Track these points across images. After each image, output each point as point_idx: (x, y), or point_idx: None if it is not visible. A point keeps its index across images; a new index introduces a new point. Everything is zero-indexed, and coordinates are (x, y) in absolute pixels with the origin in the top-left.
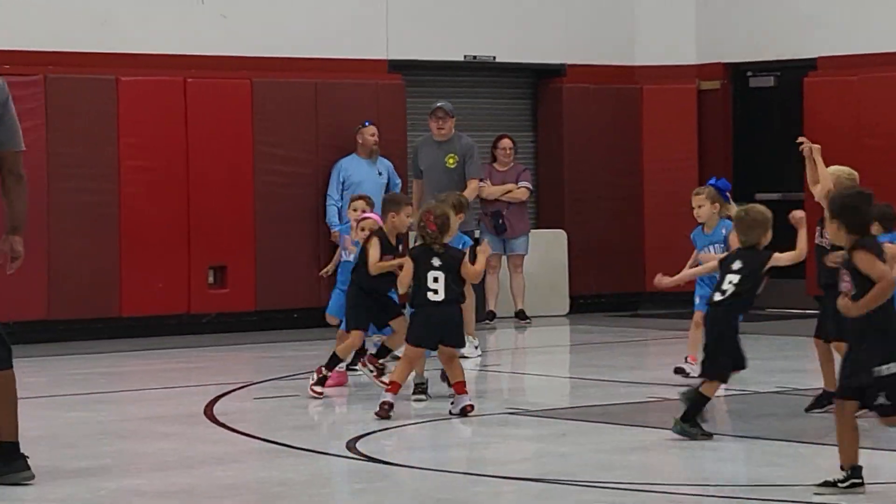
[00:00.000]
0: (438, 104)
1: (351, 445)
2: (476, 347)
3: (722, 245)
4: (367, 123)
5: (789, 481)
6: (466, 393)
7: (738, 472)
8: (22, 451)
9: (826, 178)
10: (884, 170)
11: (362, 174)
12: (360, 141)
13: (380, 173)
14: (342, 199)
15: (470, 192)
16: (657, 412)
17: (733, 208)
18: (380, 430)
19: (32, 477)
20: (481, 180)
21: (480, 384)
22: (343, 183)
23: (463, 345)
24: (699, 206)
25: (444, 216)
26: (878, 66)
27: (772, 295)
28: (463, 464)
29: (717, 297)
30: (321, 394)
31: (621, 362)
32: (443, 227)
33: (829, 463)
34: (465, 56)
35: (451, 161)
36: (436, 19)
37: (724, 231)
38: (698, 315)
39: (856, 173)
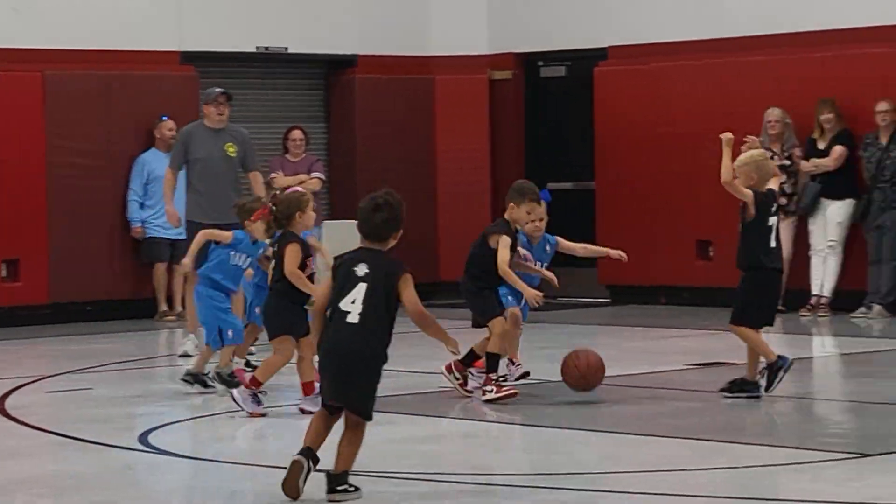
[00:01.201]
0: (220, 90)
1: (143, 438)
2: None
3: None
4: (164, 118)
5: (575, 469)
6: (310, 393)
7: (521, 460)
8: None
9: (727, 167)
10: (673, 157)
11: (164, 168)
12: (158, 136)
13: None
14: (145, 193)
15: (258, 185)
16: (446, 402)
17: None
18: (173, 423)
19: None
20: (273, 172)
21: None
22: (147, 178)
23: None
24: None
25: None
26: (667, 55)
27: (566, 284)
28: (256, 456)
29: None
30: None
31: (413, 352)
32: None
33: (613, 451)
34: (256, 47)
35: (231, 150)
36: (228, 10)
37: (547, 247)
38: (514, 311)
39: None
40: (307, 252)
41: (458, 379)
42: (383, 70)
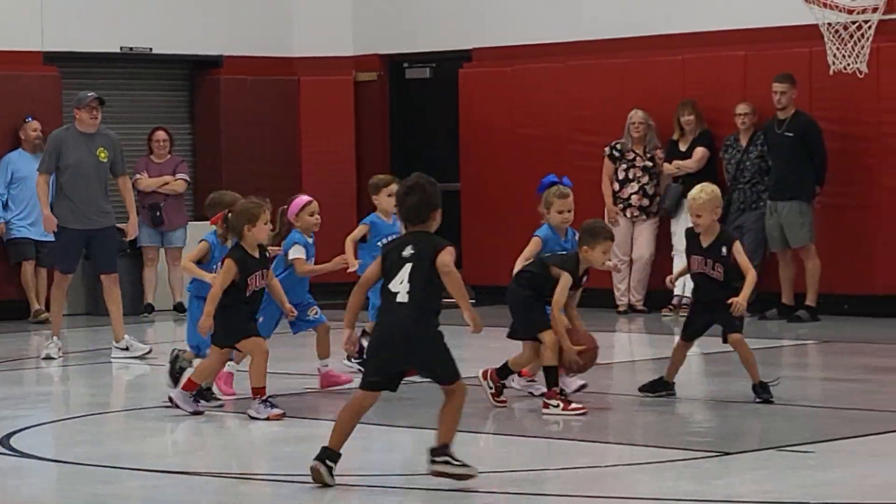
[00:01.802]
0: (93, 94)
1: (5, 441)
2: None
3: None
4: (28, 119)
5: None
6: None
7: (392, 460)
8: None
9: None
10: (536, 158)
11: (29, 169)
12: (23, 136)
13: None
14: (7, 192)
15: (127, 191)
16: (311, 402)
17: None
18: (37, 426)
19: None
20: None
21: (137, 378)
22: (11, 177)
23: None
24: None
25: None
26: (531, 58)
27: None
28: (120, 458)
29: None
30: None
31: (274, 354)
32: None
33: (480, 451)
34: (121, 47)
35: (102, 155)
36: (91, 10)
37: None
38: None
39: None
40: (248, 271)
41: (491, 388)
42: (248, 71)
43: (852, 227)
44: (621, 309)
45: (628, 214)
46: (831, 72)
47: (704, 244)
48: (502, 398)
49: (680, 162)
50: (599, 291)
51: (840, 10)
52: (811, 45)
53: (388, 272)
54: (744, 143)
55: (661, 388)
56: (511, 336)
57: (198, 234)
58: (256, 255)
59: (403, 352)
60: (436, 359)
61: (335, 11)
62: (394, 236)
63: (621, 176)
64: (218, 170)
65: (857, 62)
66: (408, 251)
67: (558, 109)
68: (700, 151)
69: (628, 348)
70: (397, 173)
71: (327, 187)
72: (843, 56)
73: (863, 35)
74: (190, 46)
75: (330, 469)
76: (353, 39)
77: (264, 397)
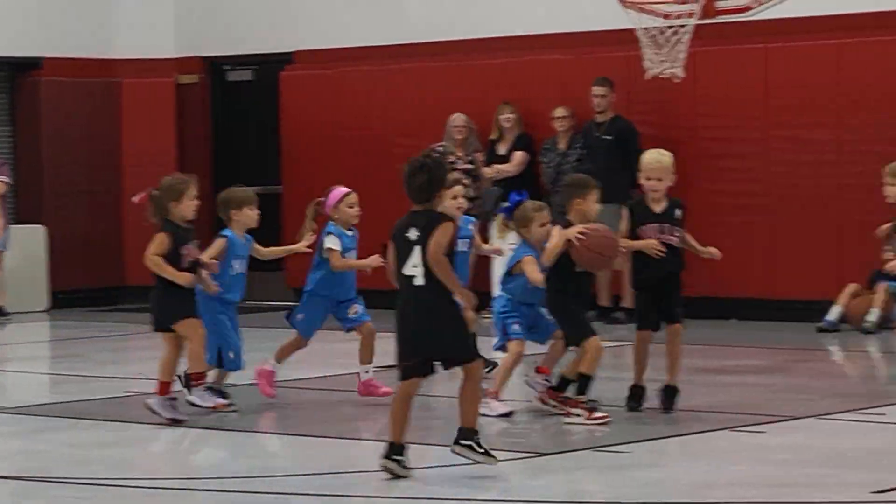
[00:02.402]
0: None
1: None
2: None
3: None
4: None
5: (264, 472)
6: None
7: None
8: None
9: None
10: (358, 161)
11: None
12: None
13: None
14: None
15: None
16: (135, 407)
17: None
18: None
19: None
20: None
21: None
22: None
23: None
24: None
25: None
26: (353, 61)
27: (252, 289)
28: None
29: None
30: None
31: (101, 357)
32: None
33: (303, 453)
34: None
35: None
36: None
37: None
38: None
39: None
40: (182, 242)
41: (554, 406)
42: (69, 73)
43: None
44: None
45: None
46: (648, 76)
47: (658, 210)
48: (599, 413)
49: (499, 166)
50: None
51: (657, 16)
52: (629, 50)
53: (400, 256)
54: (563, 146)
55: (641, 395)
56: (569, 343)
57: (17, 237)
58: (185, 228)
59: (424, 337)
60: (453, 337)
61: (157, 13)
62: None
63: None
64: (39, 172)
65: (673, 67)
66: (413, 234)
67: (380, 112)
68: (519, 155)
69: None
70: (219, 176)
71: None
72: (660, 61)
73: (679, 40)
74: (9, 48)
75: (398, 462)
76: (175, 42)
77: (206, 384)
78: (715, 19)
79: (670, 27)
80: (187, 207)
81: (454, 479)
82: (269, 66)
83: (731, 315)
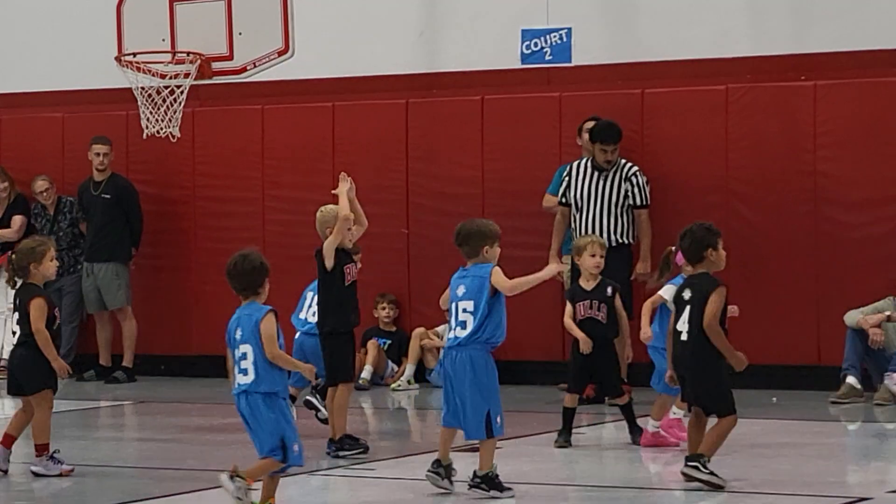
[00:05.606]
0: None
1: None
2: None
3: None
4: None
5: None
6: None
7: None
8: None
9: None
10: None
11: None
12: None
13: None
14: None
15: None
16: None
17: None
18: None
19: None
20: None
21: None
22: None
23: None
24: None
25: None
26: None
27: None
28: None
29: None
30: None
31: None
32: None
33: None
34: None
35: None
36: None
37: None
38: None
39: None
40: (53, 304)
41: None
42: None
43: (168, 288)
44: None
45: None
46: (145, 135)
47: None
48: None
49: (2, 231)
50: None
51: (153, 75)
52: (127, 108)
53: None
54: (52, 212)
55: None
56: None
57: None
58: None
59: None
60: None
61: None
62: None
63: None
64: None
65: (170, 126)
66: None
67: None
68: (18, 220)
69: None
70: None
71: None
72: (157, 120)
73: (175, 100)
74: None
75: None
76: None
77: (49, 453)
78: (212, 80)
79: (167, 87)
80: (47, 268)
81: None
82: None
83: None
